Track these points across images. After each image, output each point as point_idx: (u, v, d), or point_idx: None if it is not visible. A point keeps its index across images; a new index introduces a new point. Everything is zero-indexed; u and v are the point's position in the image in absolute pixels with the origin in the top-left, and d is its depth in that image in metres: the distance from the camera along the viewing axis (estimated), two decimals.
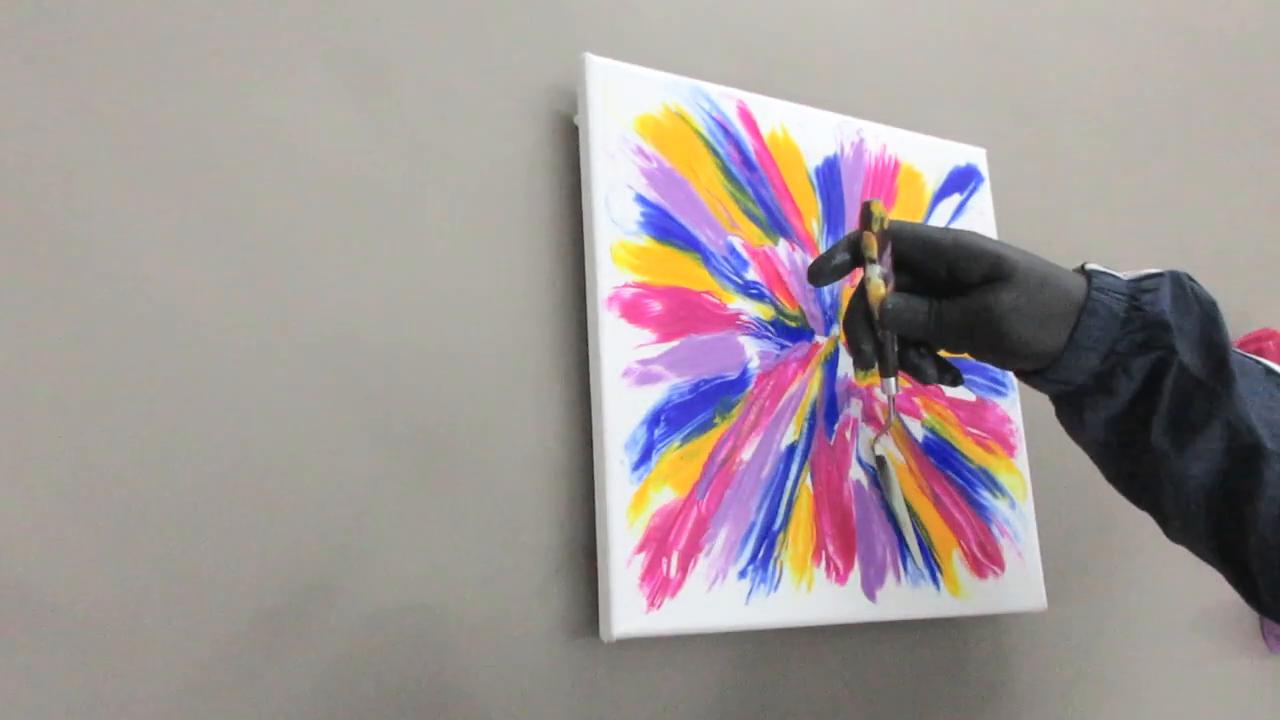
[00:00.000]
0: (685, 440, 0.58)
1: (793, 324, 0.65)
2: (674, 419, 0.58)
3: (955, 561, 0.66)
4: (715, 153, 0.64)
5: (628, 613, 0.53)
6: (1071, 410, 0.55)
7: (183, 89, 0.52)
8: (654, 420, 0.57)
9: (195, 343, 0.50)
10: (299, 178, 0.54)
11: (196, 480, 0.48)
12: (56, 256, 0.48)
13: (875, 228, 0.56)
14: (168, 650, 0.46)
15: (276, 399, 0.51)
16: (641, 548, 0.55)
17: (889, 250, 0.56)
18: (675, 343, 0.59)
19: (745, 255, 0.64)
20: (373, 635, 0.50)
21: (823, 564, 0.61)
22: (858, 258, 0.57)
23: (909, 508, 0.65)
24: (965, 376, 0.71)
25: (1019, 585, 0.69)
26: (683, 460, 0.58)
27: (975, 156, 0.77)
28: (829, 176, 0.69)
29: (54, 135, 0.49)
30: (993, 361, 0.55)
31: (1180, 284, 0.52)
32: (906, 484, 0.66)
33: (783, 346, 0.64)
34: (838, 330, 0.67)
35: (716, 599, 0.56)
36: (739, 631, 0.59)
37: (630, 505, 0.55)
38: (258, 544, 0.49)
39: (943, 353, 0.58)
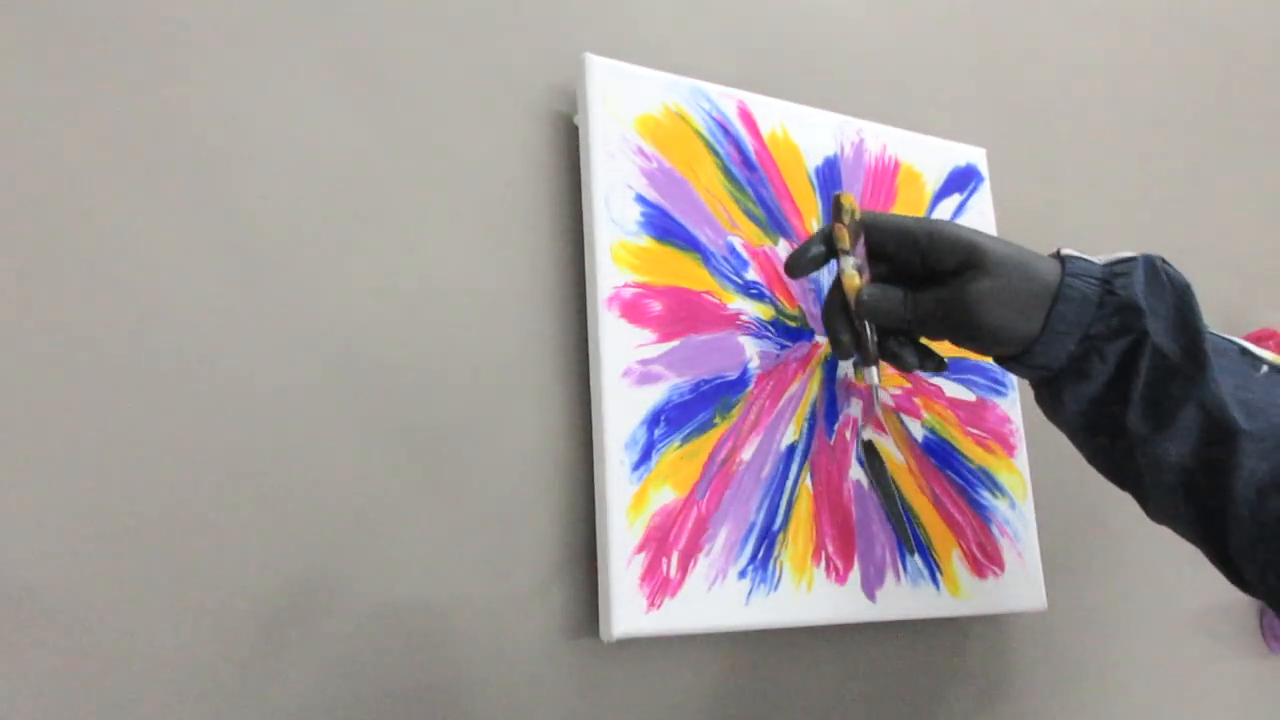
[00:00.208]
0: (685, 440, 0.58)
1: (793, 324, 0.65)
2: (674, 419, 0.58)
3: (955, 561, 0.66)
4: (715, 153, 0.64)
5: (628, 613, 0.53)
6: (1050, 394, 0.55)
7: (182, 88, 0.52)
8: (654, 420, 0.57)
9: (195, 343, 0.50)
10: (298, 177, 0.54)
11: (196, 480, 0.48)
12: (56, 256, 0.48)
13: (846, 220, 0.57)
14: (168, 650, 0.46)
15: (277, 399, 0.51)
16: (641, 548, 0.55)
17: (862, 241, 0.57)
18: (675, 343, 0.59)
19: (745, 255, 0.64)
20: (372, 635, 0.50)
21: (822, 564, 0.61)
22: (834, 250, 0.58)
23: (898, 492, 0.65)
24: (965, 377, 0.72)
25: (1019, 585, 0.69)
26: (683, 460, 0.58)
27: (975, 156, 0.77)
28: (829, 176, 0.69)
29: (54, 135, 0.49)
30: (971, 348, 0.56)
31: (1153, 267, 0.52)
32: (906, 484, 0.66)
33: (783, 346, 0.64)
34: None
35: (716, 599, 0.56)
36: (739, 631, 0.59)
37: (630, 505, 0.55)
38: (258, 544, 0.49)
39: (925, 342, 0.59)
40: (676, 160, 0.63)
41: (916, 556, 0.65)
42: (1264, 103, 1.06)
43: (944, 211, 0.74)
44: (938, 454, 0.68)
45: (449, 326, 0.56)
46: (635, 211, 0.60)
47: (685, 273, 0.61)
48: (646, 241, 0.60)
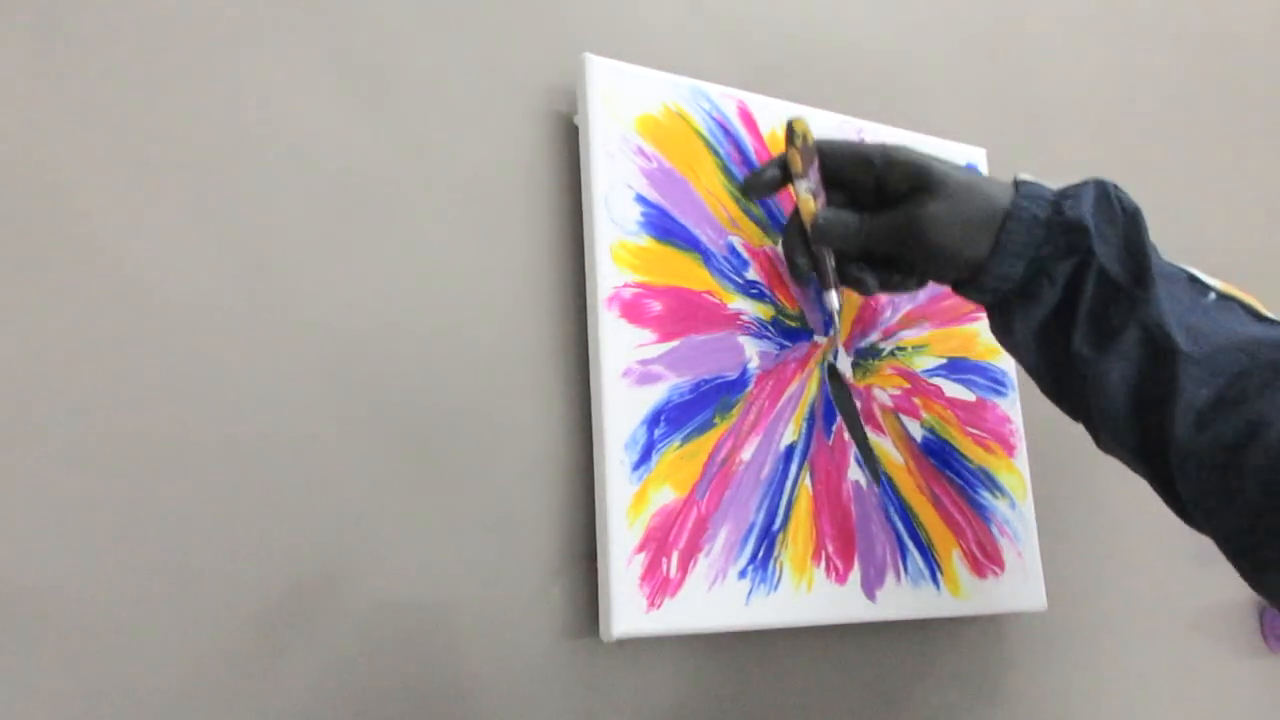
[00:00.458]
0: (685, 440, 0.58)
1: (792, 324, 0.65)
2: (674, 419, 0.58)
3: (955, 561, 0.66)
4: (715, 152, 0.64)
5: (628, 613, 0.53)
6: (1002, 320, 0.56)
7: (183, 88, 0.52)
8: (654, 420, 0.57)
9: (195, 343, 0.50)
10: (299, 177, 0.54)
11: (196, 479, 0.48)
12: (56, 256, 0.48)
13: (798, 143, 0.58)
14: (168, 650, 0.46)
15: (277, 399, 0.51)
16: (641, 548, 0.55)
17: (815, 166, 0.58)
18: (675, 343, 0.59)
19: (745, 255, 0.64)
20: (372, 635, 0.50)
21: (822, 564, 0.61)
22: (789, 175, 0.59)
23: (860, 420, 0.65)
24: (965, 377, 0.72)
25: (1019, 585, 0.69)
26: (683, 460, 0.58)
27: (975, 156, 0.77)
28: None
29: (54, 135, 0.49)
30: (927, 272, 0.57)
31: (1104, 190, 0.53)
32: (906, 484, 0.66)
33: (782, 346, 0.64)
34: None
35: (716, 599, 0.56)
36: (739, 631, 0.59)
37: (630, 505, 0.55)
38: (258, 543, 0.49)
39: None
40: (677, 160, 0.63)
41: (916, 555, 0.65)
42: (1265, 103, 1.06)
43: None
44: (937, 454, 0.68)
45: (449, 326, 0.56)
46: (635, 211, 0.60)
47: (685, 273, 0.61)
48: (646, 241, 0.60)
